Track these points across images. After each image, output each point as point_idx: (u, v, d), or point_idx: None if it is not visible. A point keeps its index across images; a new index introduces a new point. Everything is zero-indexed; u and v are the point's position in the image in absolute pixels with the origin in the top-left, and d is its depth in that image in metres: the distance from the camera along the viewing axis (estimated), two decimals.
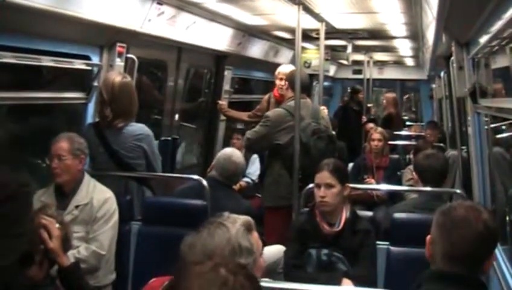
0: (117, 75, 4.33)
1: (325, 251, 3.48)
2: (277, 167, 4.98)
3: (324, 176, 3.58)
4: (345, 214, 3.55)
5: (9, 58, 3.62)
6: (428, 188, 4.20)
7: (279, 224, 4.70)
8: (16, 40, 3.68)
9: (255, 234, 2.20)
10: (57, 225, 2.72)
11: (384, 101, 11.45)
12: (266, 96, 6.15)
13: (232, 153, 4.54)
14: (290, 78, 5.19)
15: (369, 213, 4.21)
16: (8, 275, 2.26)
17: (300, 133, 4.70)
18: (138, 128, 4.31)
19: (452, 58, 4.42)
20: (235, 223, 2.14)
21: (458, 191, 4.10)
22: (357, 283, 3.29)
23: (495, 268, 3.22)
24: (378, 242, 3.74)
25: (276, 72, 5.84)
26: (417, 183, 4.30)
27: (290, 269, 3.54)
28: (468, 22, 3.28)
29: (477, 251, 2.10)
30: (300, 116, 4.73)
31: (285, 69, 5.76)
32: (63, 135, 3.83)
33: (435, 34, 4.42)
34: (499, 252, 3.37)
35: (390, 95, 11.57)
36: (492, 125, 4.18)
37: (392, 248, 3.79)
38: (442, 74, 7.03)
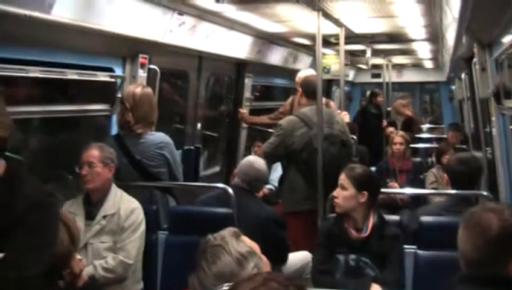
0: (138, 86, 4.43)
1: (352, 257, 3.46)
2: (291, 173, 5.00)
3: (341, 177, 3.60)
4: (372, 220, 3.53)
5: (36, 73, 3.69)
6: (452, 191, 4.15)
7: (300, 229, 4.71)
8: (41, 55, 3.74)
9: (244, 237, 2.22)
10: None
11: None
12: (290, 100, 6.14)
13: (255, 160, 4.54)
14: (302, 85, 5.21)
15: (396, 217, 4.18)
16: (34, 286, 2.27)
17: (312, 138, 4.72)
18: (159, 137, 4.36)
19: (474, 59, 4.40)
20: (224, 237, 2.15)
21: (484, 193, 4.04)
22: (385, 288, 3.28)
23: None
24: (405, 246, 3.72)
25: (297, 78, 5.83)
26: (447, 185, 4.23)
27: (318, 275, 3.53)
28: (491, 23, 3.27)
29: (492, 256, 2.08)
30: (312, 122, 4.75)
31: (305, 73, 5.76)
32: (94, 144, 3.90)
33: (455, 36, 4.41)
34: None
35: (401, 101, 11.47)
36: None
37: (419, 251, 3.76)
38: (463, 75, 7.00)
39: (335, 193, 3.62)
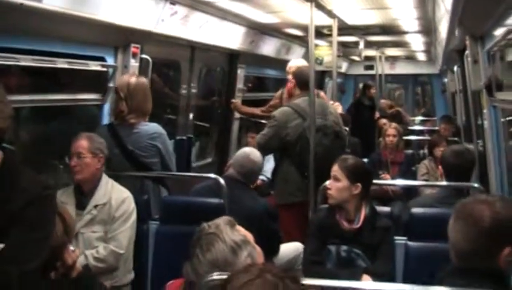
0: (132, 75, 4.43)
1: (344, 248, 3.47)
2: (285, 164, 5.00)
3: (334, 168, 3.60)
4: (364, 211, 3.53)
5: (27, 62, 3.67)
6: (444, 183, 4.16)
7: (292, 221, 4.72)
8: (33, 43, 3.71)
9: (238, 226, 2.24)
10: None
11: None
12: (279, 93, 6.14)
13: (251, 151, 4.53)
14: (296, 76, 5.19)
15: (387, 209, 4.20)
16: (33, 280, 2.27)
17: (306, 130, 4.73)
18: (152, 127, 4.35)
19: (466, 52, 4.41)
20: (219, 226, 2.18)
21: (475, 185, 4.06)
22: (376, 279, 3.29)
23: None
24: (396, 237, 3.73)
25: (288, 67, 5.83)
26: (441, 176, 4.23)
27: (309, 265, 3.54)
28: (484, 16, 3.27)
29: (481, 247, 2.09)
30: (306, 113, 4.75)
31: (296, 63, 5.76)
32: (84, 134, 3.87)
33: (448, 28, 4.41)
34: None
35: (385, 102, 11.45)
36: (508, 118, 4.15)
37: (410, 242, 3.77)
38: (455, 67, 7.00)
39: (328, 185, 3.62)
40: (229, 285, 1.28)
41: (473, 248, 2.10)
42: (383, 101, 11.16)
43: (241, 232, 2.20)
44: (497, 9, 2.88)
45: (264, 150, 5.08)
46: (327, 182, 3.68)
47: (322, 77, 11.23)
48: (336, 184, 3.56)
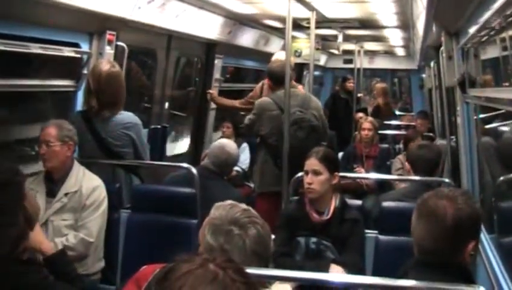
0: (105, 64, 4.30)
1: (313, 239, 3.49)
2: (262, 153, 5.09)
3: (312, 163, 3.59)
4: (334, 203, 3.55)
5: None
6: (416, 177, 4.21)
7: (268, 210, 4.72)
8: (4, 27, 3.65)
9: None
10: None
11: (375, 92, 11.46)
12: (259, 84, 6.16)
13: (227, 143, 4.57)
14: (268, 74, 5.32)
15: (359, 202, 4.23)
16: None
17: (281, 121, 4.75)
18: (127, 116, 4.30)
19: (442, 48, 4.43)
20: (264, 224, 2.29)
21: (446, 180, 4.11)
22: (345, 271, 3.31)
23: (482, 256, 3.24)
24: (366, 231, 3.76)
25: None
26: (409, 172, 4.31)
27: (278, 257, 3.54)
28: (458, 12, 3.28)
29: (446, 245, 2.11)
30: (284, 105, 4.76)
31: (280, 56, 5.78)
32: (52, 121, 3.83)
33: (425, 24, 4.43)
34: (486, 240, 3.40)
35: (380, 85, 11.55)
36: (481, 115, 4.19)
37: (380, 236, 3.80)
38: (432, 63, 7.05)
39: (308, 180, 3.59)
40: (170, 274, 1.26)
41: (438, 246, 2.11)
42: (377, 85, 11.17)
43: None
44: (470, 6, 2.89)
45: (248, 132, 5.29)
46: (308, 178, 3.62)
47: (300, 69, 11.23)
48: (318, 178, 3.56)
